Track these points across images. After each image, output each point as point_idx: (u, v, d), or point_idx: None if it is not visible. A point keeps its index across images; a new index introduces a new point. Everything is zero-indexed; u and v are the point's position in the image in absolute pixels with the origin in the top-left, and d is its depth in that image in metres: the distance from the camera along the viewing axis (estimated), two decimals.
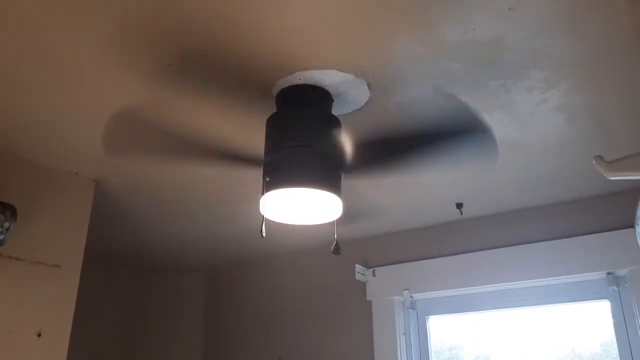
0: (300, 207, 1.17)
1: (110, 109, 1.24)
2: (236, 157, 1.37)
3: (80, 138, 1.38)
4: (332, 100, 1.18)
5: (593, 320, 1.83)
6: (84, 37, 0.99)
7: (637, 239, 1.17)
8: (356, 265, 2.13)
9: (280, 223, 1.22)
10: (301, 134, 1.13)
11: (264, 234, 1.07)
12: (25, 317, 1.39)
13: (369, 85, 1.15)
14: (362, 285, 2.15)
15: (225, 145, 1.36)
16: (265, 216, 1.11)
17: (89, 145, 1.42)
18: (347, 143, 1.25)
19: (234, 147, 1.35)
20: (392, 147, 1.40)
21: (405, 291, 2.05)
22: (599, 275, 1.75)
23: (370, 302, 2.12)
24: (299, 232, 1.74)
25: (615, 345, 1.71)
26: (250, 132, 1.31)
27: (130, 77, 1.12)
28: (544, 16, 0.95)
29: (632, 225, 1.69)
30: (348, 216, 1.30)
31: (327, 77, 1.12)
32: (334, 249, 1.21)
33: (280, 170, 1.11)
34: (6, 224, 1.30)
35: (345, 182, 1.16)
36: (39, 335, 1.40)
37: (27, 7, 0.91)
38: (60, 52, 1.03)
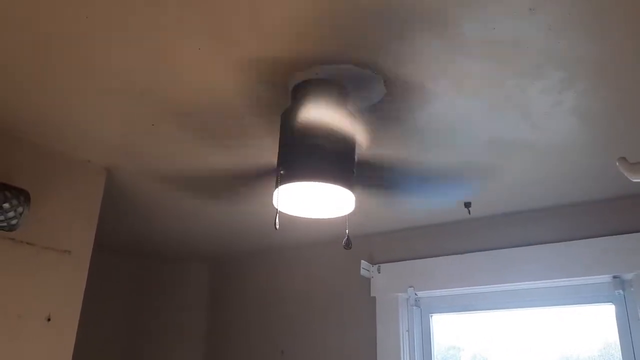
0: (313, 201, 1.18)
1: (123, 96, 1.24)
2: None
3: (93, 126, 1.39)
4: (348, 96, 1.19)
5: (596, 324, 1.83)
6: (100, 24, 1.00)
7: None
8: (361, 261, 2.14)
9: (289, 216, 1.23)
10: (316, 128, 1.13)
11: (277, 226, 1.08)
12: (35, 301, 1.40)
13: (385, 81, 1.15)
14: (367, 281, 2.16)
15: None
16: (278, 209, 1.12)
17: (102, 133, 1.43)
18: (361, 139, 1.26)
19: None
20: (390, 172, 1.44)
21: (410, 288, 2.06)
22: (604, 278, 1.76)
23: (374, 298, 2.13)
24: (305, 226, 1.75)
25: (617, 349, 1.71)
26: (266, 124, 1.32)
27: (150, 62, 1.12)
28: (564, 17, 0.95)
29: None
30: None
31: (343, 72, 1.13)
32: (345, 243, 1.21)
33: (294, 163, 1.12)
34: (19, 209, 1.31)
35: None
36: (49, 320, 1.41)
37: None
38: (75, 40, 1.04)
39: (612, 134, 1.36)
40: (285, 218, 1.28)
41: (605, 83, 1.15)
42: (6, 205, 1.28)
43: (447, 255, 2.02)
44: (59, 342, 1.42)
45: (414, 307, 2.08)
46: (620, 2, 0.91)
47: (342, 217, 1.24)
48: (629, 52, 1.04)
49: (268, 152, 1.48)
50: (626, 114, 1.26)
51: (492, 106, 1.24)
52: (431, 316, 2.08)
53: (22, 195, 1.32)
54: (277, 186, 1.11)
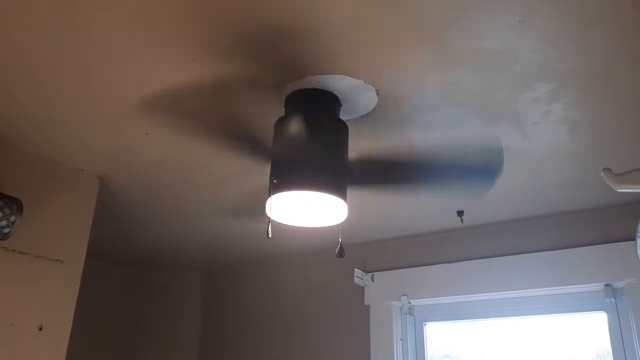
0: (306, 210, 1.18)
1: (118, 105, 1.25)
2: (249, 144, 1.37)
3: (87, 135, 1.39)
4: (341, 105, 1.20)
5: (589, 332, 1.84)
6: (97, 32, 1.00)
7: (638, 251, 1.18)
8: (355, 269, 2.14)
9: (282, 224, 1.23)
10: (309, 137, 1.14)
11: (269, 235, 1.08)
12: (27, 310, 1.39)
13: (377, 91, 1.16)
14: (361, 290, 2.16)
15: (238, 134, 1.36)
16: (271, 217, 1.12)
17: (96, 142, 1.43)
18: (353, 149, 1.27)
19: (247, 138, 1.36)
20: (394, 165, 1.43)
21: (404, 297, 2.06)
22: (596, 286, 1.77)
23: (368, 306, 2.13)
24: (298, 234, 1.75)
25: (609, 357, 1.72)
26: (260, 132, 1.33)
27: (145, 71, 1.13)
28: (553, 29, 0.97)
29: (631, 238, 1.70)
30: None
31: (336, 82, 1.14)
32: (338, 252, 1.22)
33: (287, 172, 1.12)
34: (12, 218, 1.30)
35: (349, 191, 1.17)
36: (40, 329, 1.40)
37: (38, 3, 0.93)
38: (69, 49, 1.04)
39: (602, 143, 1.37)
40: (279, 227, 1.28)
41: (593, 94, 1.16)
42: None
43: (441, 263, 2.03)
44: (50, 350, 1.41)
45: (408, 316, 2.09)
46: (606, 17, 0.93)
47: (336, 225, 1.24)
48: (616, 64, 1.06)
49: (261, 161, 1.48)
50: (615, 123, 1.28)
51: (483, 116, 1.25)
52: (425, 324, 2.08)
53: (14, 204, 1.31)
54: (270, 195, 1.12)
